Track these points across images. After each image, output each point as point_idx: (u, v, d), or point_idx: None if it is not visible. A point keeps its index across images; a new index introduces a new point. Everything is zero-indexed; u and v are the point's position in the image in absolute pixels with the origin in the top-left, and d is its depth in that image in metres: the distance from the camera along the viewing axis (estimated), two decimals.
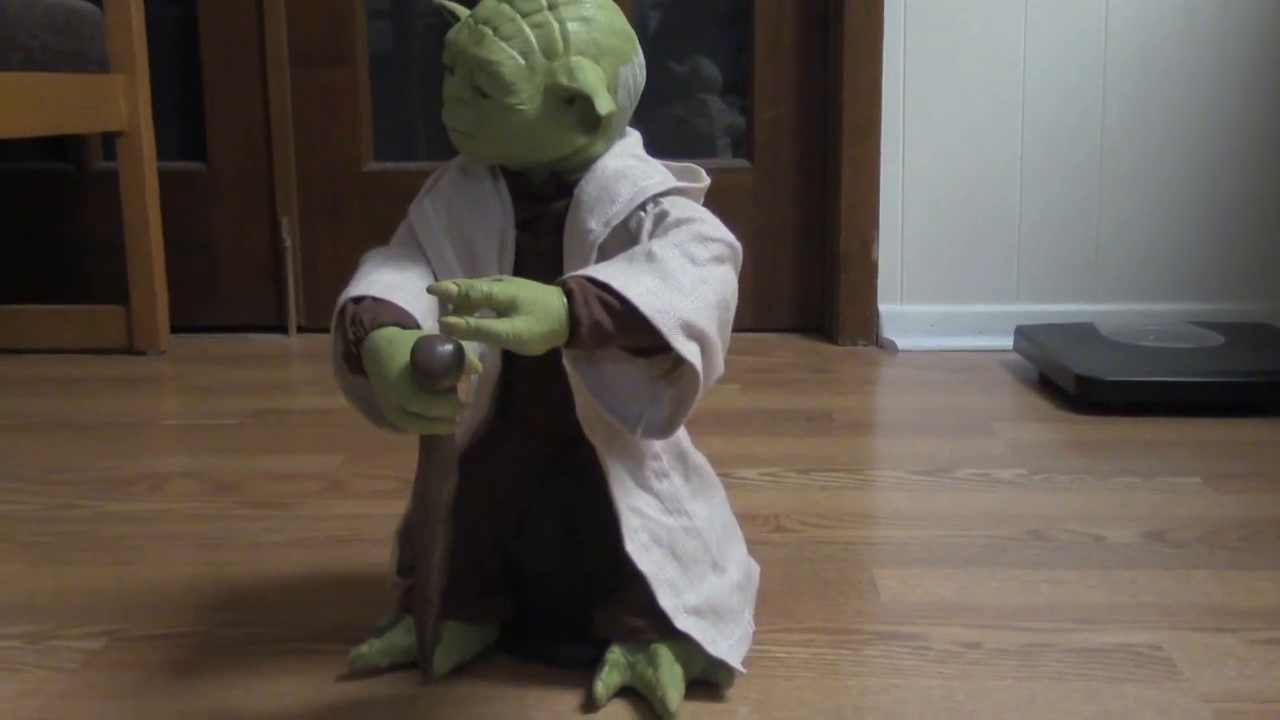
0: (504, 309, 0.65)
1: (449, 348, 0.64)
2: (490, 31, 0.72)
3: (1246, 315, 1.83)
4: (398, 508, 0.88)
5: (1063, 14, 1.82)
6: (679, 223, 0.73)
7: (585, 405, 0.76)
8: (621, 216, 0.74)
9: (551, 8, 0.73)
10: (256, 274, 2.01)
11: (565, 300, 0.67)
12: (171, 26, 1.99)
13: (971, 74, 1.84)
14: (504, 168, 0.79)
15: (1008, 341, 1.74)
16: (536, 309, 0.65)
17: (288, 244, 1.98)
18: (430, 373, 0.64)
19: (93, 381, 1.70)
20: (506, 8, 0.72)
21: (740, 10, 1.96)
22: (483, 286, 0.65)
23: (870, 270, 1.88)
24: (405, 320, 0.70)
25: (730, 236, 0.74)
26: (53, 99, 1.65)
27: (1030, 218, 1.87)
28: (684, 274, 0.70)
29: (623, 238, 0.74)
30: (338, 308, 0.73)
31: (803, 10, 1.91)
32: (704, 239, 0.72)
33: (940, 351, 1.82)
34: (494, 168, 0.79)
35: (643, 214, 0.74)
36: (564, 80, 0.72)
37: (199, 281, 2.02)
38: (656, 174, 0.77)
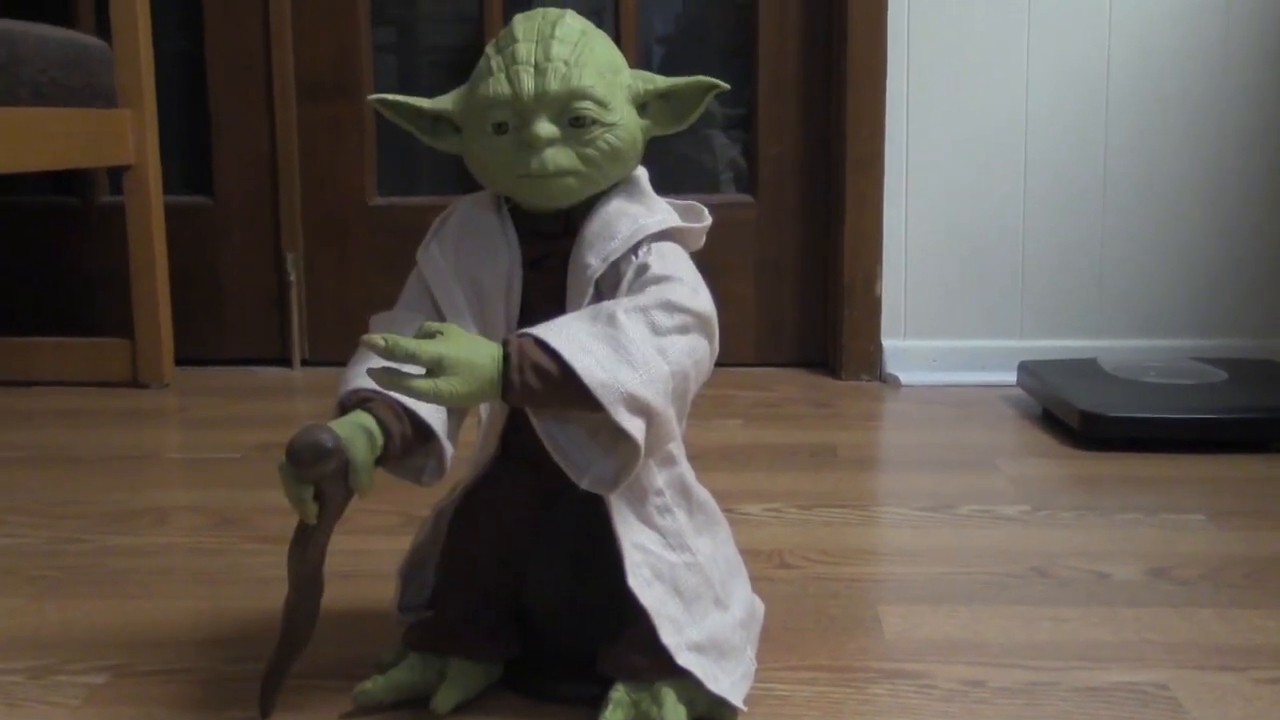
0: (429, 368, 0.66)
1: (318, 438, 0.66)
2: (563, 65, 0.73)
3: (1249, 351, 1.83)
4: (401, 543, 0.88)
5: (1065, 47, 1.83)
6: (657, 280, 0.74)
7: None
8: (619, 253, 0.75)
9: (583, 34, 0.75)
10: (261, 308, 2.02)
11: (501, 361, 0.68)
12: (179, 61, 2.00)
13: (974, 108, 1.85)
14: (511, 208, 0.79)
15: (1011, 377, 1.74)
16: (463, 370, 0.67)
17: (292, 278, 1.99)
18: (291, 453, 0.66)
19: (97, 414, 1.70)
20: (557, 44, 0.73)
21: (743, 45, 1.97)
22: (408, 345, 0.66)
23: (873, 305, 1.88)
24: (385, 410, 0.72)
25: (702, 305, 0.74)
26: (60, 133, 1.66)
27: (1033, 253, 1.88)
28: (641, 345, 0.70)
29: (614, 278, 0.75)
30: (338, 398, 0.75)
31: (806, 45, 1.93)
32: (672, 308, 0.72)
33: (943, 387, 1.83)
34: (501, 207, 0.79)
35: (633, 258, 0.75)
36: (643, 85, 0.76)
37: (204, 315, 2.02)
38: (658, 212, 0.77)
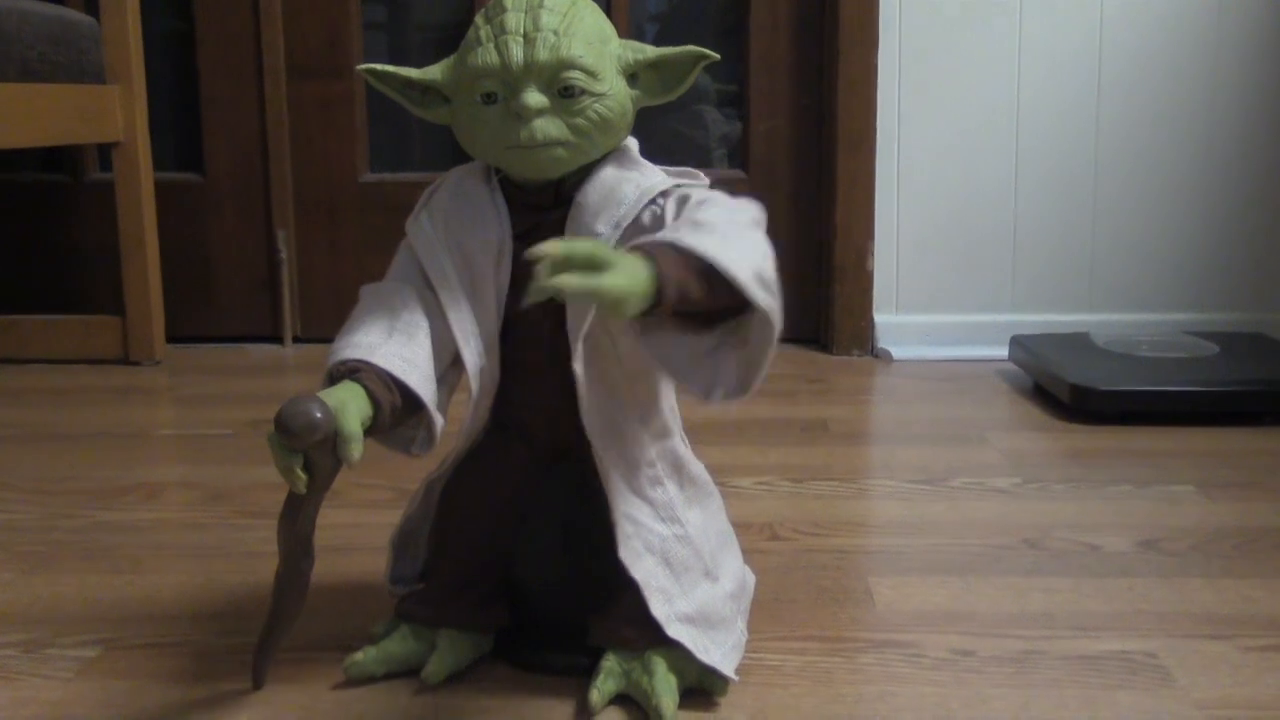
0: (603, 266, 0.63)
1: (306, 408, 0.66)
2: (552, 35, 0.72)
3: (1241, 325, 1.83)
4: (393, 516, 0.88)
5: (1057, 26, 1.83)
6: (705, 201, 0.73)
7: (590, 408, 0.76)
8: (632, 216, 0.75)
9: (573, 4, 0.74)
10: (252, 285, 2.02)
11: (649, 263, 0.65)
12: (168, 38, 1.99)
13: (966, 84, 1.85)
14: (501, 179, 0.79)
15: (1003, 351, 1.75)
16: (629, 266, 0.63)
17: (284, 255, 1.98)
18: (279, 423, 0.66)
19: (88, 392, 1.70)
20: (546, 14, 0.73)
21: (736, 23, 1.96)
22: (583, 246, 0.63)
23: (865, 280, 1.88)
24: (374, 381, 0.71)
25: (755, 207, 0.74)
26: (49, 110, 1.65)
27: (1025, 228, 1.88)
28: (738, 234, 0.69)
29: (635, 235, 0.74)
30: (327, 369, 0.74)
31: (798, 22, 1.92)
32: (736, 207, 0.72)
33: (935, 361, 1.83)
34: (491, 179, 0.79)
35: (660, 202, 0.75)
36: (632, 55, 0.76)
37: (195, 292, 2.02)
38: (657, 175, 0.78)
